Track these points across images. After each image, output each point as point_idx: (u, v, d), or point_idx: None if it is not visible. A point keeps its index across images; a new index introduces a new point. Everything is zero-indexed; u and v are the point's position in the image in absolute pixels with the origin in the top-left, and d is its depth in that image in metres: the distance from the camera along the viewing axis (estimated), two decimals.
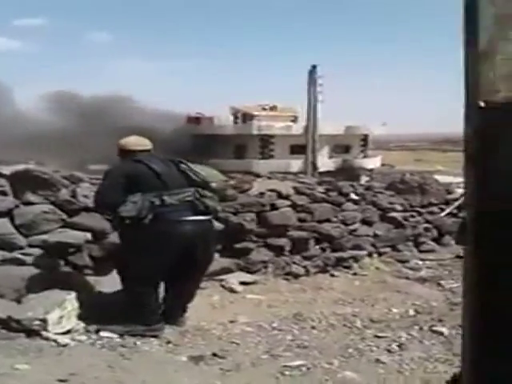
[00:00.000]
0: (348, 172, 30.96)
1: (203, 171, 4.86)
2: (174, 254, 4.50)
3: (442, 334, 4.79)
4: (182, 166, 4.74)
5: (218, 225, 5.74)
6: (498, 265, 1.14)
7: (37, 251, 4.98)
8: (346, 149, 38.01)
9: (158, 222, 4.37)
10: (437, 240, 8.62)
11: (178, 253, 4.51)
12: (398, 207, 8.33)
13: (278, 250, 6.66)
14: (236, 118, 38.93)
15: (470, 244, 1.19)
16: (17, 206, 5.06)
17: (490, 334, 1.17)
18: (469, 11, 1.12)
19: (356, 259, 7.31)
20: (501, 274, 1.14)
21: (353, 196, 7.89)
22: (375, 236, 7.82)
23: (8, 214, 4.99)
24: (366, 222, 7.85)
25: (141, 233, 4.39)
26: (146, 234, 4.38)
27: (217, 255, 5.72)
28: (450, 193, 9.34)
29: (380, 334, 4.76)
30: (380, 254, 7.72)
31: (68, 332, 4.23)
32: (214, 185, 4.90)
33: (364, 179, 31.07)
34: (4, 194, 5.09)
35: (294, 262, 6.70)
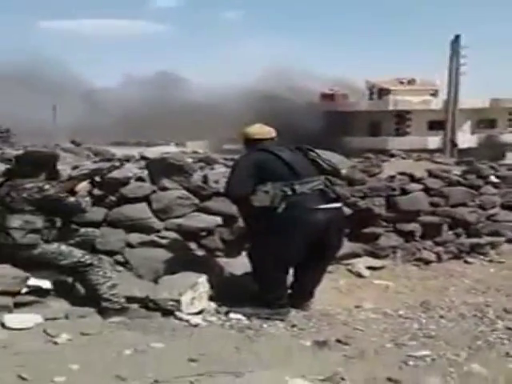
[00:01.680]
0: (492, 149, 29.26)
1: (333, 158, 4.80)
2: (306, 241, 4.55)
3: None
4: (311, 153, 4.71)
5: (346, 210, 5.74)
6: None
7: (172, 234, 5.30)
8: (492, 123, 35.92)
9: (291, 210, 4.41)
10: None
11: (310, 240, 4.57)
12: None
13: (408, 236, 6.54)
14: (371, 93, 38.18)
15: None
16: (153, 192, 5.39)
17: None
18: None
19: (493, 245, 7.01)
20: None
21: (493, 179, 7.50)
22: None
23: (146, 199, 5.33)
24: (507, 207, 7.46)
25: (274, 221, 4.48)
26: (279, 222, 4.46)
27: (345, 240, 5.74)
28: None
29: None
30: None
31: (200, 313, 4.48)
32: (344, 171, 4.82)
33: (511, 156, 29.26)
34: (142, 180, 5.44)
35: (425, 248, 6.55)
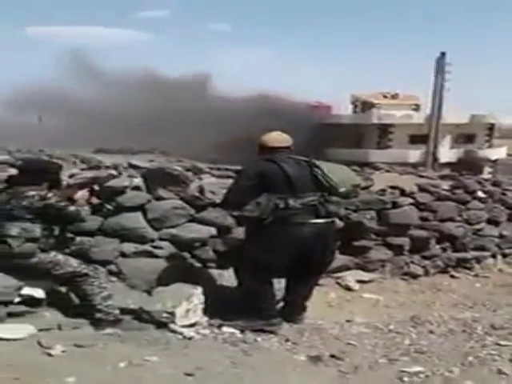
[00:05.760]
0: (470, 163, 29.66)
1: (337, 175, 4.64)
2: (291, 254, 4.55)
3: None
4: (316, 169, 4.60)
5: (337, 223, 5.75)
6: None
7: (166, 244, 5.30)
8: (470, 138, 36.37)
9: (278, 224, 4.43)
10: None
11: (296, 253, 4.57)
12: None
13: (398, 249, 6.60)
14: (355, 106, 38.42)
15: None
16: (149, 201, 5.38)
17: None
18: None
19: (478, 260, 7.10)
20: None
21: (480, 194, 7.61)
22: (501, 236, 7.54)
23: (141, 208, 5.32)
24: (492, 222, 7.59)
25: (261, 232, 4.51)
26: (264, 234, 4.50)
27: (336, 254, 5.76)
28: None
29: (502, 342, 4.58)
30: (505, 256, 7.43)
31: (193, 325, 4.48)
32: (342, 190, 4.70)
33: (487, 171, 29.68)
34: (138, 189, 5.42)
35: (413, 262, 6.62)
